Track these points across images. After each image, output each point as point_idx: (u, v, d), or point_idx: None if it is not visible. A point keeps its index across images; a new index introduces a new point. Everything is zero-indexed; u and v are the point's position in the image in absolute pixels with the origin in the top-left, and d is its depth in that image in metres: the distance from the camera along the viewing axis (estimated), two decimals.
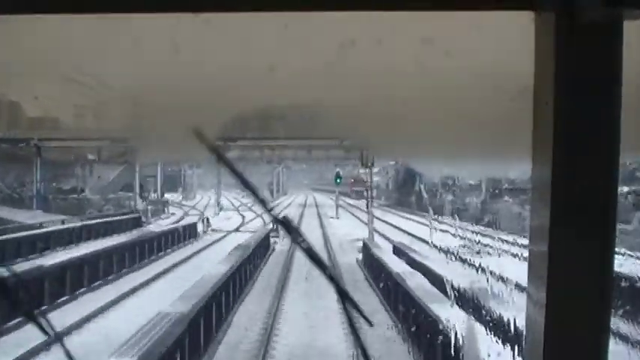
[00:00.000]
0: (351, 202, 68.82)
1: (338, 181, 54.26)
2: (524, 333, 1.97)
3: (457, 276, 17.62)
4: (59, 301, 20.86)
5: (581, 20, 1.70)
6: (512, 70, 1.97)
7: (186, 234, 38.45)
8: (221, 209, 55.75)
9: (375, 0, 1.80)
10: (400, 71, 2.12)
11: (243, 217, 51.01)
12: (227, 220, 49.59)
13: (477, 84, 2.04)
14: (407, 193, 56.80)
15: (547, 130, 1.77)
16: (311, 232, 40.20)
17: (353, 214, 56.48)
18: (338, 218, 54.09)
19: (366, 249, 28.99)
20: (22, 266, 20.75)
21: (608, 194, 1.78)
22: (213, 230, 43.00)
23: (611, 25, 1.72)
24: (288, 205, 71.95)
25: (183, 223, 43.38)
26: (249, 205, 69.32)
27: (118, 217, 40.88)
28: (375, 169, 79.62)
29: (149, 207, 50.34)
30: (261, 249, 30.51)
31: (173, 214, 54.69)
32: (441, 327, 13.06)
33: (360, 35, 2.09)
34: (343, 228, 46.14)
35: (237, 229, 44.74)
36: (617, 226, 1.83)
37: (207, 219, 44.66)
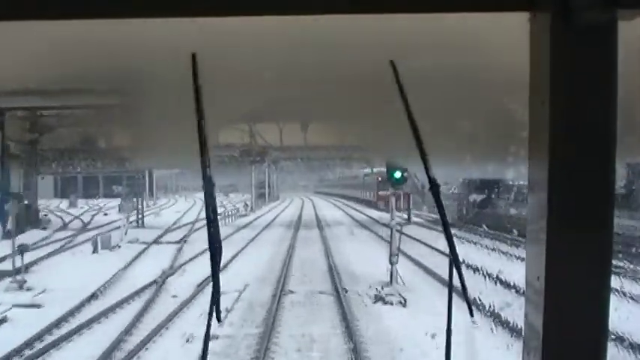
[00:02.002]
0: (374, 214, 45.91)
1: (397, 177, 21.70)
2: (523, 333, 2.01)
3: None
4: None
5: (576, 21, 1.77)
6: (510, 70, 2.02)
7: None
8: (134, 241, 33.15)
9: (374, 2, 1.85)
10: (399, 71, 2.18)
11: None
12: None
13: (474, 84, 2.10)
14: (486, 202, 33.65)
15: (543, 130, 1.84)
16: None
17: (424, 270, 22.69)
18: (405, 305, 17.67)
19: None
20: None
21: (605, 193, 1.85)
22: None
23: (607, 26, 1.79)
24: (268, 224, 44.55)
25: None
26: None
27: None
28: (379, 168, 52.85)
29: None
30: None
31: None
32: None
33: (360, 36, 2.14)
34: None
35: None
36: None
37: None
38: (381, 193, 52.30)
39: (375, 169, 56.10)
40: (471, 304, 2.89)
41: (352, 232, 38.38)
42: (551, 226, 1.86)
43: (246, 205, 59.08)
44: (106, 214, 42.03)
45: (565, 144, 1.85)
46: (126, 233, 35.88)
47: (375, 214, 49.74)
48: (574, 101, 1.84)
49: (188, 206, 63.27)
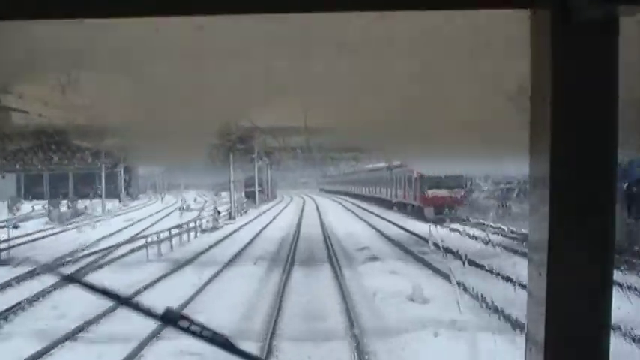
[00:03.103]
0: (417, 227, 29.91)
1: None
2: (526, 328, 2.04)
3: None
4: None
5: (577, 17, 1.80)
6: (509, 69, 2.03)
7: None
8: None
9: (374, 0, 1.86)
10: (399, 71, 2.20)
11: None
12: None
13: (474, 83, 2.11)
14: None
15: (544, 127, 1.86)
16: None
17: None
18: None
19: None
20: None
21: (607, 191, 1.88)
22: None
23: (608, 22, 1.81)
24: (241, 250, 26.95)
25: None
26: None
27: None
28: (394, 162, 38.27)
29: None
30: None
31: None
32: None
33: (358, 36, 2.15)
34: None
35: None
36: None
37: None
38: (430, 193, 35.42)
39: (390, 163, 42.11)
40: None
41: (421, 293, 17.00)
42: (552, 222, 1.89)
43: (218, 212, 39.90)
44: (16, 227, 29.29)
45: (566, 141, 1.88)
46: None
47: (418, 227, 30.87)
48: (575, 98, 1.87)
49: (157, 209, 49.97)
